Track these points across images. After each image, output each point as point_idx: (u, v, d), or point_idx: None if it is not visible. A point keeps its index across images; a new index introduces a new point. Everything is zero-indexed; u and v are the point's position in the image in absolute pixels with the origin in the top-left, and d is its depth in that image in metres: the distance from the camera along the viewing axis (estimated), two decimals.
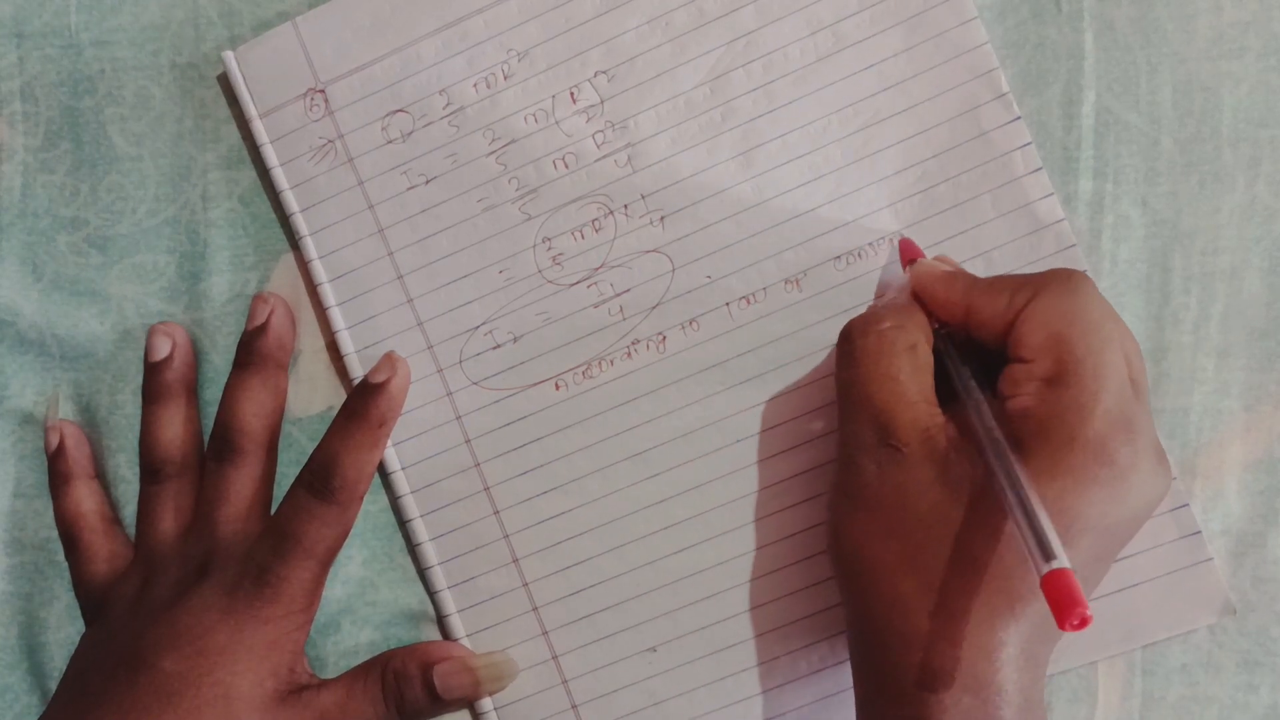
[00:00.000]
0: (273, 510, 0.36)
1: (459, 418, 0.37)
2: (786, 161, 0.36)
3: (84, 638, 0.37)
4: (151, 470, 0.37)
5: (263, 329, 0.37)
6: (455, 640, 0.37)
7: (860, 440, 0.31)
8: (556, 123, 0.37)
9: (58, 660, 0.38)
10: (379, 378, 0.35)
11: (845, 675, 0.36)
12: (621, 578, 0.36)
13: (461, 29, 0.37)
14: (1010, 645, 0.28)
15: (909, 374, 0.31)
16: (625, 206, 0.37)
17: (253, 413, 0.36)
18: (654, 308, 0.37)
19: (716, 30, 0.36)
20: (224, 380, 0.37)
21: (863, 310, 0.36)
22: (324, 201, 0.37)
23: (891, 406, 0.30)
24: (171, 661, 0.33)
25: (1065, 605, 0.25)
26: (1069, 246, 0.35)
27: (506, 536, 0.37)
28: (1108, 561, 0.30)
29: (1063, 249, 0.35)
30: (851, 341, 0.32)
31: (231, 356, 0.37)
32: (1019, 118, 0.35)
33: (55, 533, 0.38)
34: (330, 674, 0.37)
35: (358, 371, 0.37)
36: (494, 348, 0.37)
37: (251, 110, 0.38)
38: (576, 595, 0.37)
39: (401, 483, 0.37)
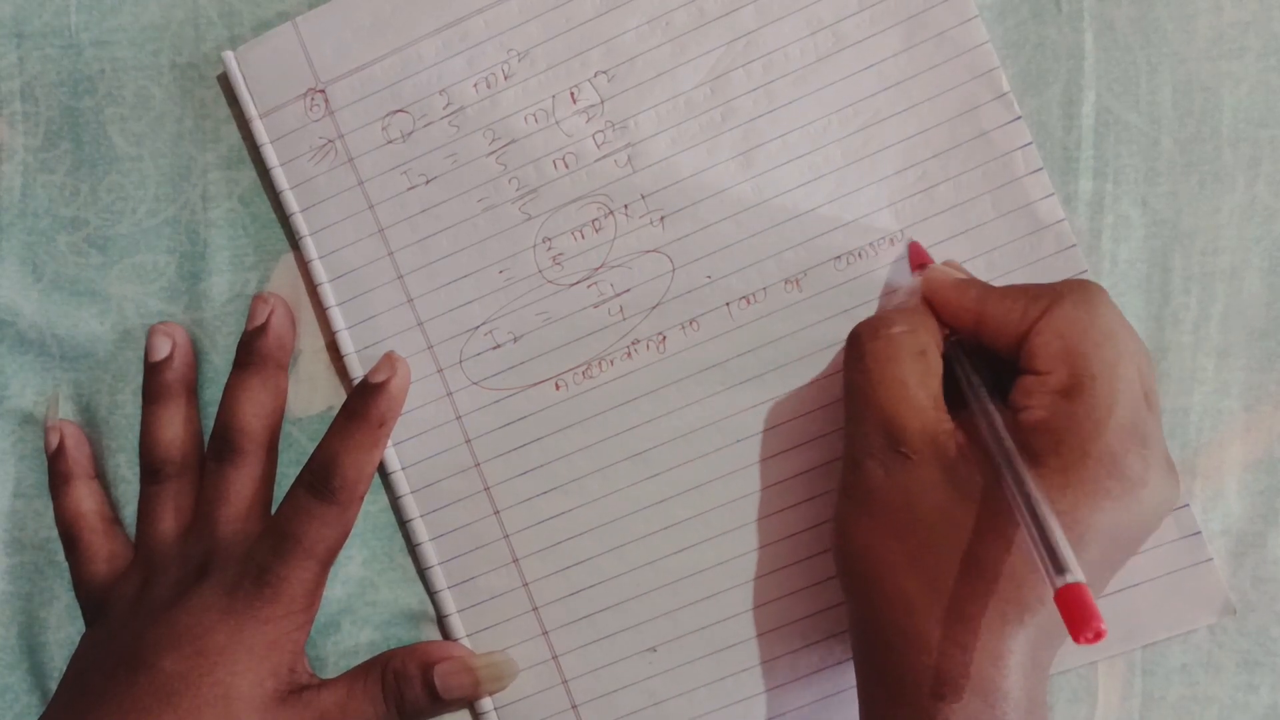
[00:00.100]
0: (273, 510, 0.36)
1: (459, 418, 0.37)
2: (786, 161, 0.36)
3: (84, 638, 0.37)
4: (151, 470, 0.37)
5: (263, 329, 0.37)
6: (455, 640, 0.37)
7: (868, 444, 0.31)
8: (556, 123, 0.37)
9: (58, 660, 0.38)
10: (379, 378, 0.35)
11: (845, 675, 0.36)
12: (621, 578, 0.36)
13: (462, 29, 0.37)
14: (1018, 651, 0.28)
15: (918, 379, 0.31)
16: (625, 206, 0.37)
17: (253, 413, 0.36)
18: (654, 308, 0.37)
19: (716, 30, 0.36)
20: (224, 380, 0.37)
21: (863, 310, 0.36)
22: (324, 201, 0.37)
23: (900, 411, 0.30)
24: (171, 661, 0.33)
25: (1080, 620, 0.25)
26: (1069, 246, 0.35)
27: (506, 536, 0.37)
28: (1114, 570, 0.30)
29: (1063, 249, 0.35)
30: (860, 345, 0.32)
31: (231, 356, 0.37)
32: (1019, 118, 0.35)
33: (55, 533, 0.38)
34: (330, 674, 0.37)
35: (358, 371, 0.37)
36: (494, 348, 0.37)
37: (251, 110, 0.38)
38: (576, 595, 0.37)
39: (401, 483, 0.37)
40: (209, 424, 0.38)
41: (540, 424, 0.37)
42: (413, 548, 0.37)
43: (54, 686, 0.38)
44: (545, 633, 0.37)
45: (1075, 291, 0.30)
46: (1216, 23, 0.36)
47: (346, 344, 0.37)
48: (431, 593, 0.37)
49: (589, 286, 0.37)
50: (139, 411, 0.38)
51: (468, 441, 0.37)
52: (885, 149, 0.36)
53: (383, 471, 0.37)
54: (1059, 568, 0.26)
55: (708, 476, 0.36)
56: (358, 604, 0.38)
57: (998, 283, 0.33)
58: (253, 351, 0.37)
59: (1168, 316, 0.36)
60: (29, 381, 0.39)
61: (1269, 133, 0.36)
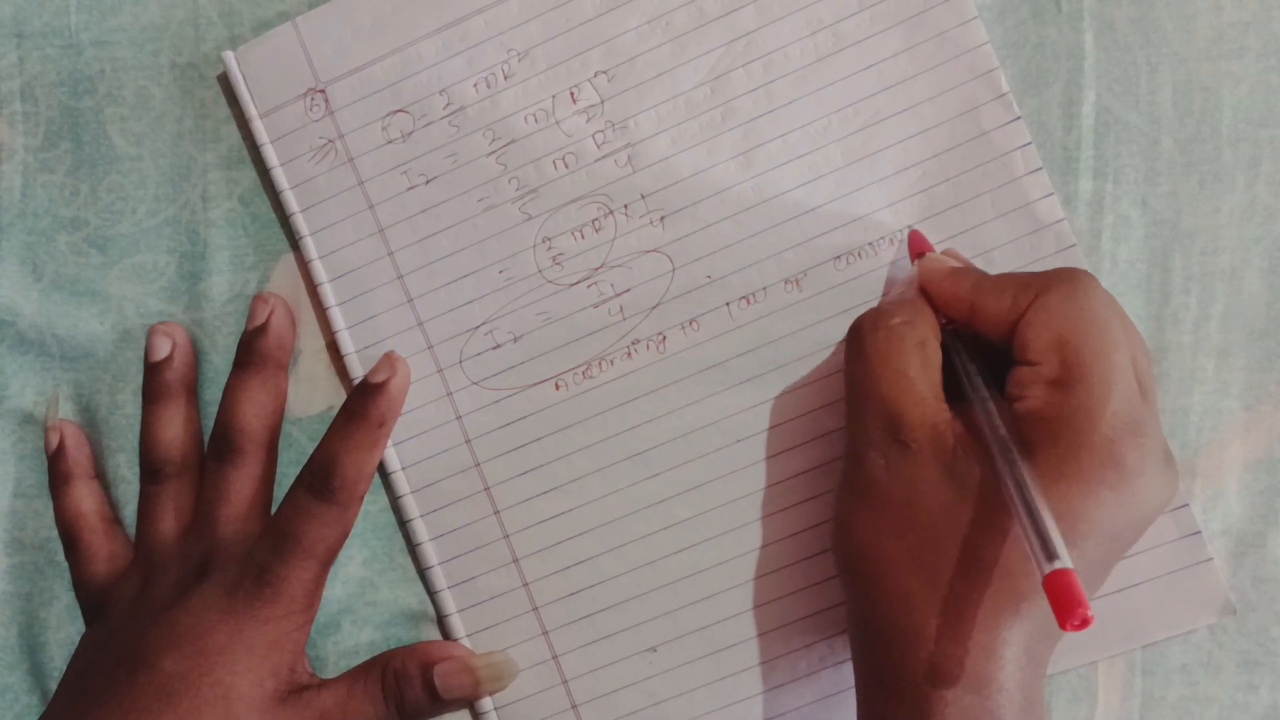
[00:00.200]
0: (273, 510, 0.36)
1: (459, 418, 0.37)
2: (786, 161, 0.36)
3: (84, 638, 0.37)
4: (151, 470, 0.37)
5: (263, 329, 0.37)
6: (455, 640, 0.37)
7: (869, 435, 0.31)
8: (556, 123, 0.37)
9: (58, 660, 0.38)
10: (379, 378, 0.35)
11: (845, 675, 0.36)
12: (621, 578, 0.36)
13: (462, 29, 0.37)
14: (1013, 644, 0.28)
15: (918, 370, 0.31)
16: (625, 206, 0.37)
17: (253, 413, 0.36)
18: (654, 308, 0.37)
19: (716, 30, 0.36)
20: (224, 380, 0.37)
21: (863, 310, 0.36)
22: (324, 201, 0.37)
23: (901, 402, 0.30)
24: (171, 661, 0.33)
25: (1067, 605, 0.25)
26: (1069, 246, 0.35)
27: (506, 536, 0.37)
28: (1112, 563, 0.30)
29: (1063, 249, 0.35)
30: (861, 337, 0.32)
31: (231, 356, 0.37)
32: (1019, 118, 0.35)
33: (55, 533, 0.38)
34: (330, 674, 0.37)
35: (358, 371, 0.37)
36: (494, 348, 0.37)
37: (251, 110, 0.38)
38: (576, 595, 0.37)
39: (401, 483, 0.37)
40: (209, 424, 0.38)
41: (540, 424, 0.37)
42: (413, 548, 0.37)
43: (54, 686, 0.38)
44: (545, 633, 0.37)
45: (1064, 281, 0.30)
46: (1216, 23, 0.36)
47: (346, 344, 0.37)
48: (431, 593, 0.37)
49: (589, 286, 0.37)
50: (139, 411, 0.38)
51: (468, 441, 0.37)
52: (885, 149, 0.36)
53: (383, 471, 0.37)
54: (1048, 554, 0.26)
55: (708, 476, 0.36)
56: (358, 604, 0.38)
57: None
58: (253, 351, 0.37)
59: (1168, 316, 0.36)
60: (29, 381, 0.39)
61: (1269, 133, 0.36)
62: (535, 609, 0.37)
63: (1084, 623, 0.25)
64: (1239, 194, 0.36)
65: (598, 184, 0.37)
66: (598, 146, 0.37)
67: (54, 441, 0.38)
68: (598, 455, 0.37)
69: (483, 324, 0.37)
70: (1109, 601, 0.35)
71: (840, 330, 0.36)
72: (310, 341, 0.38)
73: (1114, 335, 0.29)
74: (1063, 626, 0.25)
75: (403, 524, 0.37)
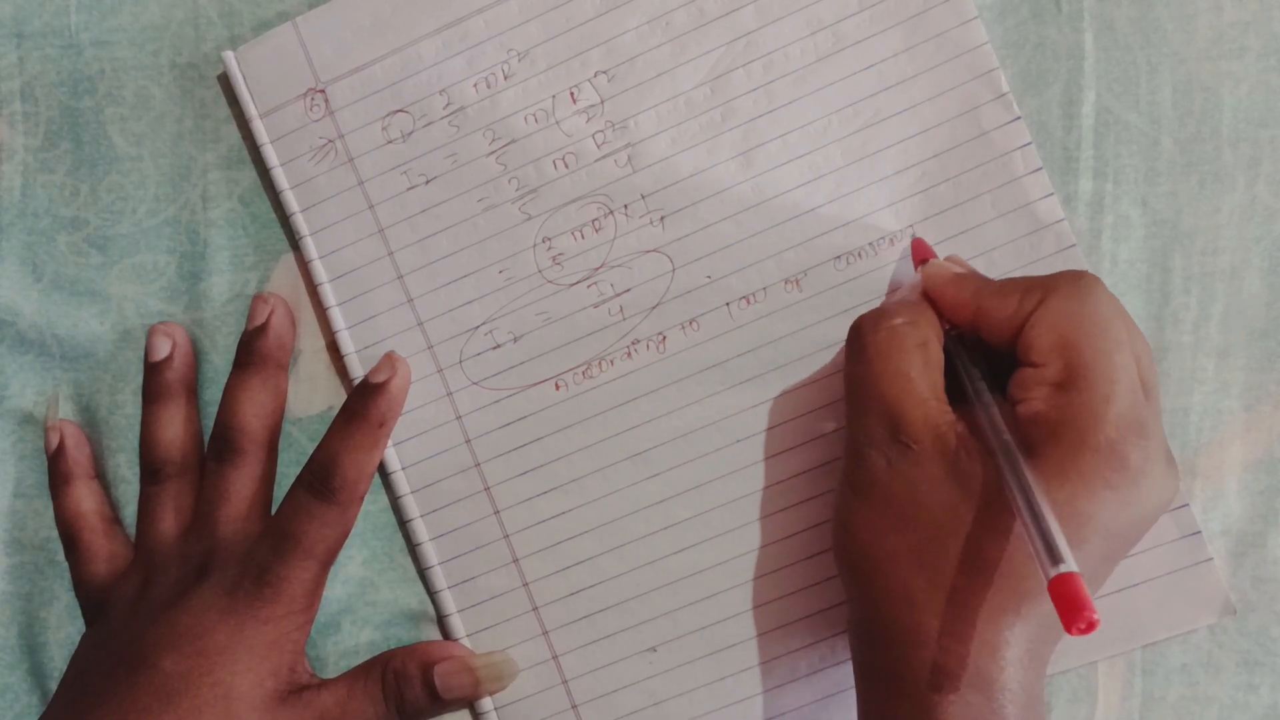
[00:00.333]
0: (273, 510, 0.36)
1: (459, 418, 0.37)
2: (786, 161, 0.36)
3: (84, 638, 0.37)
4: (151, 470, 0.37)
5: (263, 329, 0.37)
6: (455, 640, 0.37)
7: (870, 435, 0.31)
8: (556, 123, 0.37)
9: (58, 660, 0.38)
10: (379, 378, 0.35)
11: (845, 675, 0.36)
12: (621, 578, 0.36)
13: (462, 29, 0.37)
14: (1016, 644, 0.28)
15: (920, 370, 0.31)
16: (625, 206, 0.37)
17: (253, 413, 0.36)
18: (654, 308, 0.37)
19: (716, 30, 0.36)
20: (224, 380, 0.37)
21: (863, 310, 0.36)
22: (324, 201, 0.37)
23: (902, 402, 0.30)
24: (172, 661, 0.33)
25: (1072, 609, 0.25)
26: (1069, 246, 0.35)
27: (506, 536, 0.37)
28: (1114, 563, 0.30)
29: (1063, 249, 0.35)
30: (862, 337, 0.32)
31: (231, 356, 0.37)
32: (1019, 118, 0.35)
33: (55, 533, 0.38)
34: (330, 674, 0.37)
35: (358, 371, 0.37)
36: (494, 348, 0.37)
37: (252, 110, 0.38)
38: (576, 595, 0.37)
39: (401, 483, 0.37)
40: (209, 424, 0.38)
41: (540, 424, 0.37)
42: (413, 548, 0.37)
43: (54, 686, 0.38)
44: (545, 633, 0.37)
45: (1068, 283, 0.30)
46: (1216, 23, 0.36)
47: (346, 344, 0.37)
48: (431, 593, 0.37)
49: (589, 286, 0.37)
50: (139, 411, 0.38)
51: (468, 441, 0.37)
52: (885, 149, 0.36)
53: (383, 471, 0.37)
54: (1053, 558, 0.26)
55: (708, 476, 0.36)
56: (358, 604, 0.38)
57: None
58: (253, 351, 0.37)
59: (1168, 316, 0.36)
60: (29, 381, 0.39)
61: (1269, 133, 0.36)
62: (535, 609, 0.37)
63: (1090, 626, 0.25)
64: (1239, 194, 0.36)
65: (598, 184, 0.37)
66: (598, 146, 0.37)
67: (54, 441, 0.38)
68: (598, 455, 0.37)
69: (483, 324, 0.37)
70: (1109, 601, 0.35)
71: (840, 330, 0.36)
72: (310, 341, 0.38)
73: (1118, 336, 0.29)
74: (1069, 630, 0.25)
75: (403, 524, 0.37)
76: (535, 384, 0.37)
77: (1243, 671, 0.35)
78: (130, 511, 0.38)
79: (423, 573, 0.37)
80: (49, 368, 0.39)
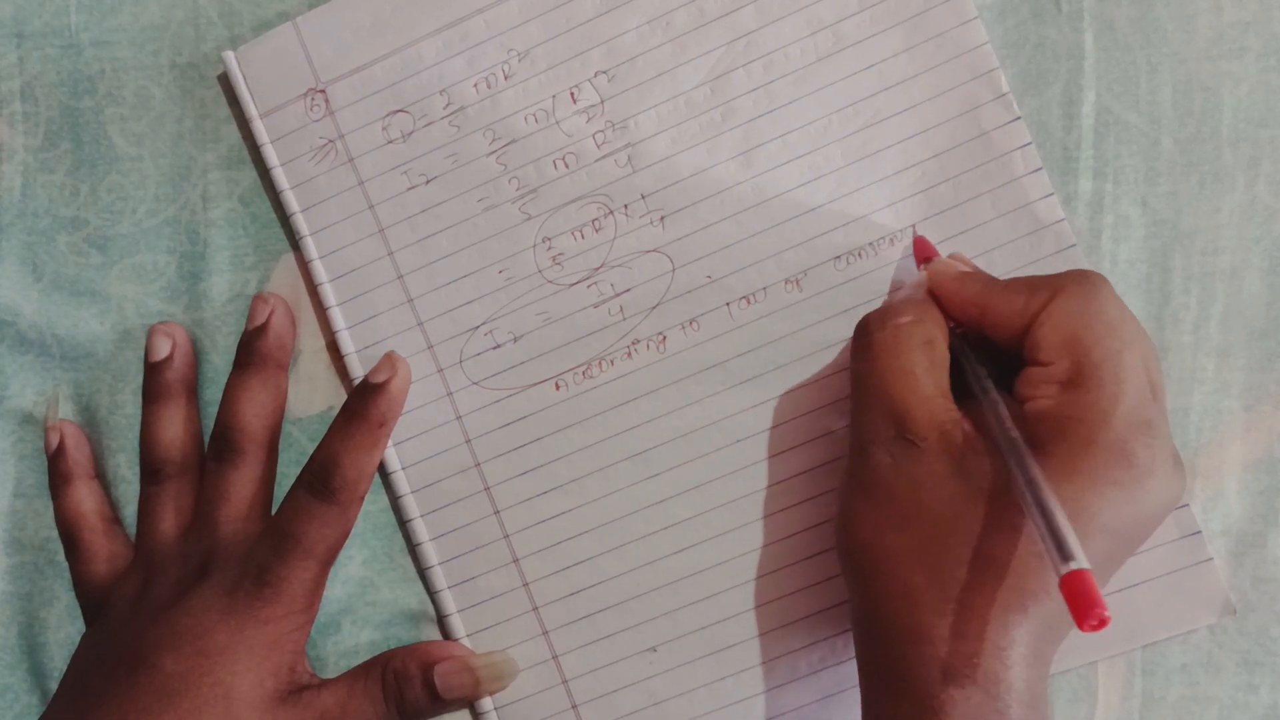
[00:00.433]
0: (273, 510, 0.36)
1: (459, 418, 0.37)
2: (787, 161, 0.36)
3: (84, 638, 0.37)
4: (152, 470, 0.37)
5: (263, 329, 0.37)
6: (455, 640, 0.37)
7: (875, 432, 0.31)
8: (557, 123, 0.37)
9: (58, 660, 0.38)
10: (379, 378, 0.35)
11: (846, 675, 0.36)
12: (622, 578, 0.36)
13: (462, 29, 0.37)
14: (1020, 642, 0.28)
15: (925, 368, 0.31)
16: (625, 206, 0.37)
17: (253, 413, 0.36)
18: (654, 308, 0.37)
19: (717, 30, 0.36)
20: (224, 380, 0.37)
21: (863, 310, 0.36)
22: (324, 201, 0.37)
23: (907, 400, 0.30)
24: (172, 661, 0.33)
25: (1084, 606, 0.25)
26: (1069, 246, 0.35)
27: (506, 536, 0.37)
28: (1120, 561, 0.30)
29: (1063, 249, 0.35)
30: (868, 335, 0.32)
31: (231, 356, 0.37)
32: (1019, 118, 0.35)
33: (55, 533, 0.38)
34: (330, 674, 0.37)
35: (358, 371, 0.37)
36: (494, 348, 0.37)
37: (252, 110, 0.38)
38: (577, 595, 0.37)
39: (402, 483, 0.37)
40: (209, 424, 0.38)
41: (540, 424, 0.37)
42: (413, 548, 0.37)
43: (54, 686, 0.38)
44: (545, 632, 0.37)
45: (1077, 282, 0.30)
46: (1216, 23, 0.36)
47: (347, 344, 0.37)
48: (431, 593, 0.37)
49: (589, 286, 0.37)
50: (139, 411, 0.38)
51: (468, 441, 0.37)
52: (885, 149, 0.36)
53: (383, 471, 0.37)
54: (1064, 555, 0.26)
55: (708, 476, 0.36)
56: (358, 604, 0.38)
57: None
58: (253, 351, 0.37)
59: (1168, 316, 0.36)
60: (29, 381, 0.39)
61: (1269, 133, 0.36)
62: (535, 609, 0.37)
63: (1102, 623, 0.25)
64: (1239, 194, 0.36)
65: (598, 184, 0.37)
66: (598, 146, 0.37)
67: (54, 441, 0.38)
68: (598, 455, 0.37)
69: (483, 324, 0.37)
70: (1109, 601, 0.35)
71: (841, 330, 0.36)
72: (310, 341, 0.38)
73: (1126, 335, 0.29)
74: (1080, 627, 0.25)
75: (403, 524, 0.37)
76: (535, 384, 0.37)
77: (1243, 671, 0.35)
78: (130, 511, 0.38)
79: (423, 573, 0.37)
80: (49, 368, 0.39)
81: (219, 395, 0.37)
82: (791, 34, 0.36)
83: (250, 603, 0.34)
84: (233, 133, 0.39)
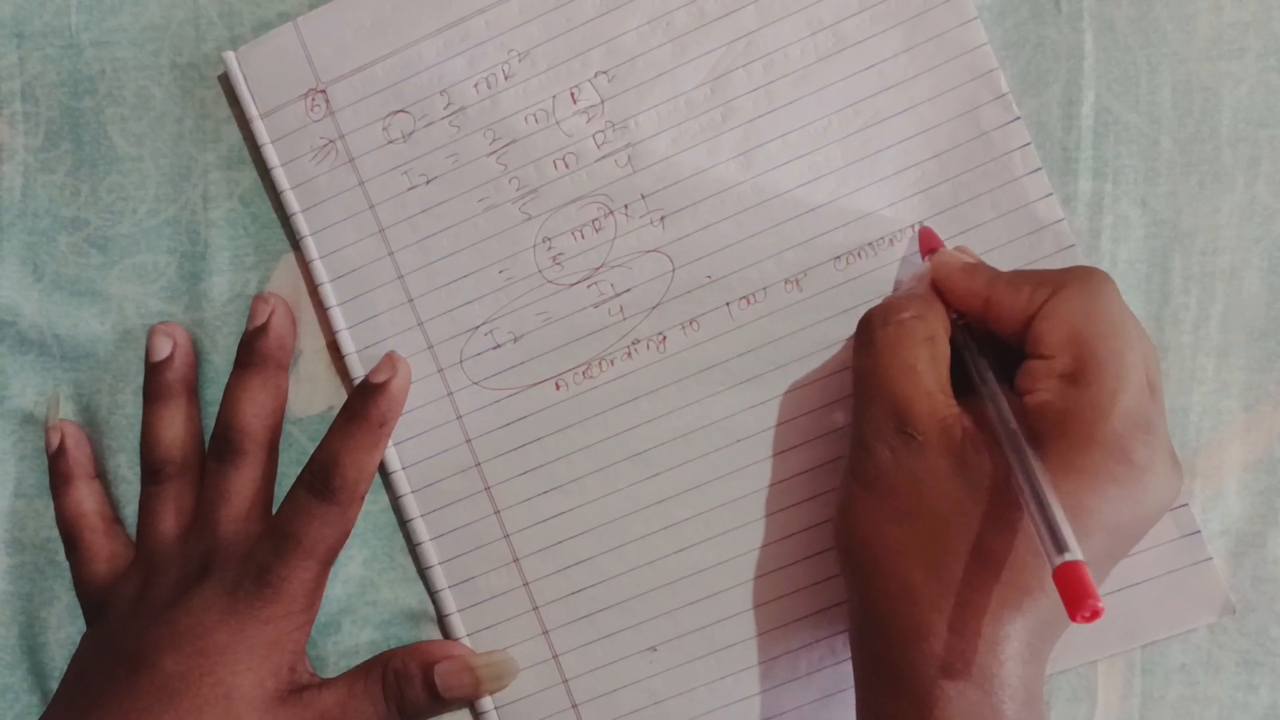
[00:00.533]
0: (274, 510, 0.36)
1: (459, 418, 0.37)
2: (787, 161, 0.36)
3: (84, 638, 0.37)
4: (152, 470, 0.37)
5: (263, 329, 0.37)
6: (456, 640, 0.37)
7: (876, 427, 0.31)
8: (557, 123, 0.37)
9: (58, 660, 0.38)
10: (380, 378, 0.35)
11: (846, 674, 0.36)
12: (622, 577, 0.36)
13: (462, 29, 0.37)
14: (1016, 639, 0.28)
15: (927, 364, 0.31)
16: (625, 206, 0.37)
17: (253, 413, 0.36)
18: (654, 308, 0.37)
19: (717, 30, 0.36)
20: (224, 380, 0.37)
21: (863, 310, 0.36)
22: (325, 202, 0.37)
23: (909, 395, 0.31)
24: (172, 661, 0.33)
25: (1077, 596, 0.25)
26: (1068, 246, 0.35)
27: (507, 536, 0.37)
28: (1117, 559, 0.31)
29: (1062, 249, 0.35)
30: (871, 330, 0.32)
31: (232, 356, 0.37)
32: (1019, 118, 0.35)
33: (55, 533, 0.38)
34: (330, 674, 0.37)
35: (358, 371, 0.37)
36: (494, 348, 0.37)
37: (252, 110, 0.38)
38: (577, 595, 0.37)
39: (402, 482, 0.37)
40: (210, 424, 0.38)
41: (540, 424, 0.37)
42: (413, 547, 0.37)
43: (54, 686, 0.38)
44: (545, 632, 0.37)
45: (1081, 278, 0.30)
46: (1216, 23, 0.36)
47: (347, 344, 0.37)
48: (432, 592, 0.37)
49: (589, 286, 0.37)
50: (139, 411, 0.38)
51: (468, 441, 0.37)
52: (885, 149, 0.36)
53: (383, 471, 0.37)
54: (1058, 546, 0.26)
55: (708, 476, 0.36)
56: (358, 604, 0.38)
57: None
58: (253, 351, 0.37)
59: (1168, 316, 0.36)
60: (29, 381, 0.39)
61: (1269, 133, 0.36)
62: (535, 608, 0.37)
63: (1094, 614, 0.25)
64: (1239, 194, 0.36)
65: (598, 184, 0.37)
66: (598, 146, 0.37)
67: (54, 441, 0.38)
68: (598, 455, 0.37)
69: (483, 324, 0.37)
70: (1109, 601, 0.35)
71: (841, 330, 0.36)
72: (311, 341, 0.38)
73: (1127, 333, 0.29)
74: (1073, 618, 0.25)
75: (403, 524, 0.37)
76: (535, 384, 0.37)
77: (1242, 671, 0.35)
78: (130, 511, 0.38)
79: (423, 572, 0.37)
80: (49, 368, 0.39)
81: (219, 395, 0.37)
82: (792, 34, 0.36)
83: (251, 603, 0.34)
84: (233, 133, 0.39)
